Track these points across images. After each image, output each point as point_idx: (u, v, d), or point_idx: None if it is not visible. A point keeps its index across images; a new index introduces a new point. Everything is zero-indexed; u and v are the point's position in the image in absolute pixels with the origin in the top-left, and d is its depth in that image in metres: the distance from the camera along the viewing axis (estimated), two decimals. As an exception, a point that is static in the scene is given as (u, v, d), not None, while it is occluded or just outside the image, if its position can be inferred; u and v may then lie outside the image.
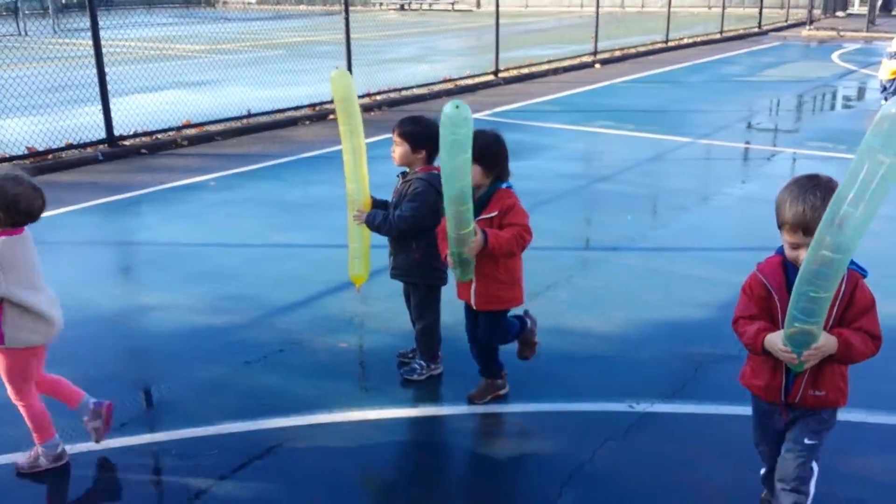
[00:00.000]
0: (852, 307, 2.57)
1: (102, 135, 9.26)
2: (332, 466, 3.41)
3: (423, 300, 4.11)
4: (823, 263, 2.31)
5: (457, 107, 3.19)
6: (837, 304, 2.54)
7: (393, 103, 12.12)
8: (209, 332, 4.66)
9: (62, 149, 8.99)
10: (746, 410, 2.99)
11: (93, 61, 9.27)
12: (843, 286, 2.54)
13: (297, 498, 3.22)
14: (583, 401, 3.89)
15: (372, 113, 11.40)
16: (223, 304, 5.06)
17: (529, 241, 3.62)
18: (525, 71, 15.04)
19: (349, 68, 11.75)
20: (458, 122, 3.18)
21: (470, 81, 13.89)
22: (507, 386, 3.96)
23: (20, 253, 3.15)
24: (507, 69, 14.76)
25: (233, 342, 4.55)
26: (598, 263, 5.80)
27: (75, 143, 9.10)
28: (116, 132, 9.38)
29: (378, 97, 12.39)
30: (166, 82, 12.85)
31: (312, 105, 11.52)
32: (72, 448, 3.52)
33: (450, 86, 13.51)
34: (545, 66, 15.55)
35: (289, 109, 11.27)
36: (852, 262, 2.50)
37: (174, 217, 7.00)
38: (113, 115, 9.32)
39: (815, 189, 2.47)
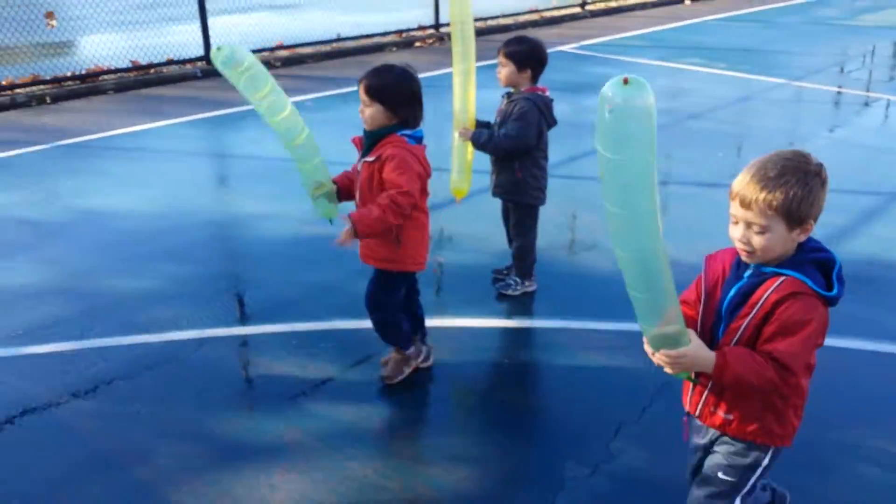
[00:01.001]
0: (771, 323, 2.01)
1: (200, 52, 9.57)
2: (433, 365, 3.69)
3: (522, 219, 4.29)
4: (619, 260, 1.95)
5: (218, 48, 3.01)
6: (752, 314, 2.03)
7: (479, 32, 12.07)
8: (317, 241, 4.96)
9: (163, 64, 9.35)
10: (834, 342, 3.12)
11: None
12: (767, 294, 2.01)
13: (406, 389, 3.52)
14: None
15: (458, 42, 11.46)
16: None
17: (410, 204, 3.13)
18: (613, 4, 14.78)
19: (436, -4, 11.79)
20: (229, 64, 3.01)
21: (556, 13, 13.74)
22: (429, 359, 3.66)
23: None
24: (594, 2, 14.53)
25: (339, 251, 4.83)
26: (688, 198, 5.88)
27: (175, 59, 9.45)
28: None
29: (464, 26, 12.37)
30: (256, 4, 13.07)
31: (399, 31, 11.61)
32: (201, 332, 3.88)
33: (535, 17, 13.40)
34: (633, 1, 15.23)
35: (376, 35, 11.39)
36: (805, 270, 2.01)
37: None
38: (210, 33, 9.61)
39: (780, 163, 1.98)
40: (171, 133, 7.27)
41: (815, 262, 2.05)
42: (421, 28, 11.88)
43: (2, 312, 4.10)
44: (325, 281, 4.44)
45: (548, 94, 4.09)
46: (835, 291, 2.02)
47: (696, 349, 2.01)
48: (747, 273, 2.09)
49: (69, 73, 8.74)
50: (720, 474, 2.24)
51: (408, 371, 3.58)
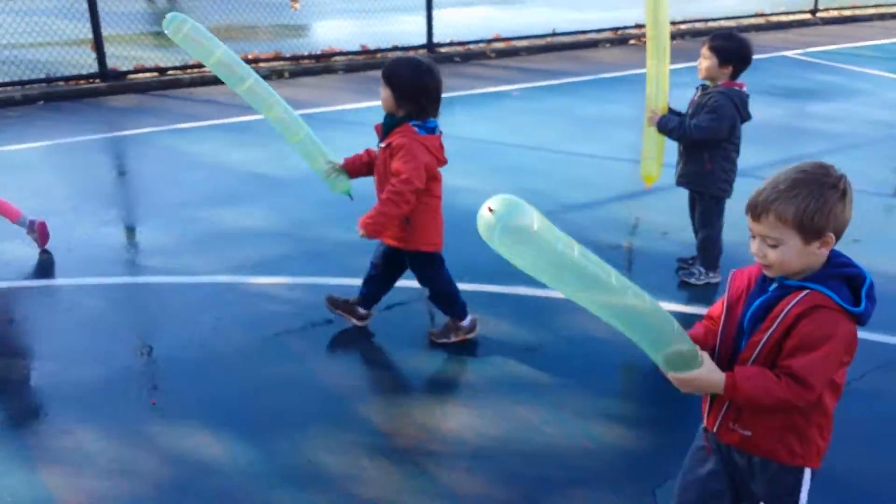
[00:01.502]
0: (791, 338, 1.93)
1: (423, 41, 10.19)
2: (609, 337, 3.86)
3: (707, 210, 4.31)
4: None
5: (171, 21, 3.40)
6: (773, 328, 1.96)
7: (697, 34, 11.88)
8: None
9: (389, 49, 10.06)
10: None
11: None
12: (789, 307, 1.94)
13: (578, 355, 3.73)
14: (870, 331, 3.94)
15: (675, 41, 11.31)
16: (521, 195, 5.61)
17: (410, 191, 3.34)
18: (847, 13, 13.88)
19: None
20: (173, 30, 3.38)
21: (783, 18, 13.16)
22: (475, 329, 3.80)
23: None
24: (826, 9, 13.74)
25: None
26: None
27: (400, 45, 10.13)
28: (434, 40, 10.29)
29: (683, 26, 12.22)
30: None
31: (614, 29, 11.66)
32: (404, 283, 4.30)
33: (760, 21, 12.91)
34: (871, 10, 14.21)
35: (591, 31, 11.51)
36: (830, 284, 1.94)
37: (481, 118, 7.69)
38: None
39: (793, 175, 1.94)
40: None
41: (842, 276, 1.98)
42: (637, 26, 11.85)
43: (234, 247, 4.76)
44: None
45: (745, 89, 4.11)
46: (861, 308, 1.93)
47: (704, 373, 1.97)
48: (772, 287, 2.03)
49: (306, 53, 9.66)
50: None
51: (454, 338, 3.76)
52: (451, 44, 10.50)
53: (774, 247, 1.95)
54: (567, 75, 9.47)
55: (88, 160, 6.45)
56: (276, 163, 6.28)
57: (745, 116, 4.13)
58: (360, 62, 9.72)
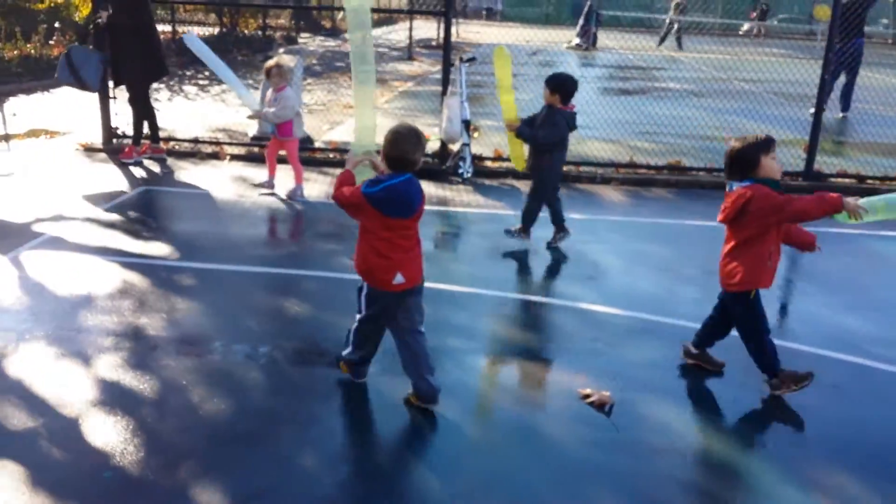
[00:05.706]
0: None
1: None
2: None
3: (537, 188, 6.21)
4: None
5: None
6: None
7: None
8: None
9: None
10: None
11: None
12: None
13: None
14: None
15: None
16: None
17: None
18: None
19: None
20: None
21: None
22: None
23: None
24: None
25: None
26: None
27: None
28: None
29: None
30: None
31: None
32: None
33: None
34: None
35: None
36: (371, 182, 3.64)
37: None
38: None
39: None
40: None
41: (379, 180, 3.63)
42: None
43: None
44: None
45: (574, 109, 5.97)
46: (368, 192, 3.58)
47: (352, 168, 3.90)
48: None
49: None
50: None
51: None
52: None
53: None
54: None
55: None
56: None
57: (572, 127, 5.97)
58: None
